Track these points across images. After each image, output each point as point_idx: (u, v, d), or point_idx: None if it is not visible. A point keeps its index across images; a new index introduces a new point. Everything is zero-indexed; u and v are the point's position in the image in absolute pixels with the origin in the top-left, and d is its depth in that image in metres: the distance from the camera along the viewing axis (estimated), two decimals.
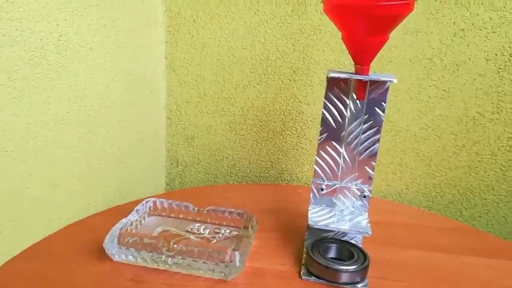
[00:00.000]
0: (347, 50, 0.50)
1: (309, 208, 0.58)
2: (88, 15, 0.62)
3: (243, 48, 0.80)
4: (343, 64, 0.77)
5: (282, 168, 0.86)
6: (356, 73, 0.50)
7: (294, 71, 0.79)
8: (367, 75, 0.50)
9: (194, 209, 0.61)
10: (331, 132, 0.56)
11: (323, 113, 0.55)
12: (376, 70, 0.75)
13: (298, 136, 0.83)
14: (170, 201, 0.62)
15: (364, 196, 0.57)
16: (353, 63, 0.50)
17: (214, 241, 0.56)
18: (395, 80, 0.50)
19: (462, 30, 0.70)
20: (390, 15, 0.44)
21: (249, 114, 0.84)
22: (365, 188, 0.57)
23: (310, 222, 0.54)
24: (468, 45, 0.70)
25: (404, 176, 0.79)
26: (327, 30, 0.76)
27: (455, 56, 0.71)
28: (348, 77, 0.50)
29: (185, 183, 0.92)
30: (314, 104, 0.80)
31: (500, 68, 0.70)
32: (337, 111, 0.55)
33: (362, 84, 0.51)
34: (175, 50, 0.83)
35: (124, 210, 0.62)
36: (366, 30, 0.46)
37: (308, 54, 0.78)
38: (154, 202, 0.62)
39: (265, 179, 0.87)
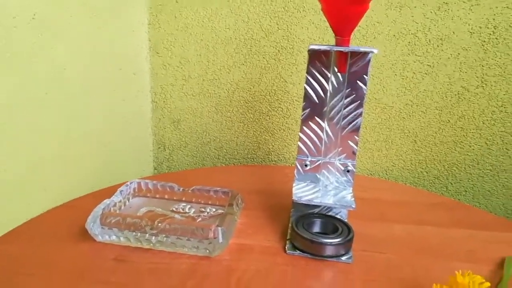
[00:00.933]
0: (330, 28, 0.50)
1: (294, 184, 0.58)
2: None
3: (227, 28, 0.79)
4: (327, 42, 0.76)
5: (269, 149, 0.86)
6: (336, 45, 0.50)
7: (279, 50, 0.79)
8: (348, 46, 0.50)
9: (179, 189, 0.61)
10: (314, 108, 0.55)
11: (305, 88, 0.55)
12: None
13: (284, 116, 0.83)
14: (155, 181, 0.61)
15: (348, 171, 0.57)
16: (334, 35, 0.50)
17: (199, 219, 0.56)
18: (375, 51, 0.49)
19: (446, 3, 0.70)
20: None
21: (235, 96, 0.83)
22: (349, 162, 0.57)
23: (294, 198, 0.54)
24: (452, 19, 0.70)
25: (390, 153, 0.79)
26: (310, 8, 0.75)
27: (439, 30, 0.71)
28: (329, 49, 0.50)
29: (173, 167, 0.91)
30: (299, 83, 0.80)
31: (484, 41, 0.70)
32: (319, 86, 0.55)
33: (343, 56, 0.51)
34: (158, 31, 0.82)
35: (109, 192, 0.61)
36: (345, 0, 0.45)
37: (292, 33, 0.77)
38: (139, 183, 0.61)
39: (252, 160, 0.87)
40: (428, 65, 0.73)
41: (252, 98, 0.83)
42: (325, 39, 0.76)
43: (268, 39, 0.78)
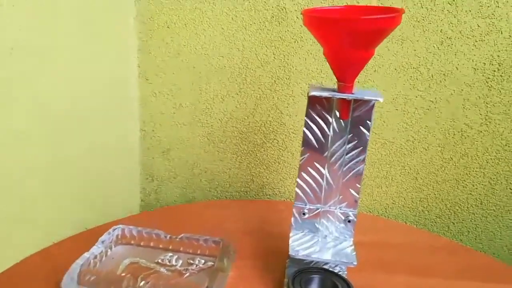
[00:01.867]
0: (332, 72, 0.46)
1: (291, 234, 0.54)
2: (50, 18, 0.56)
3: (221, 56, 0.75)
4: (325, 74, 0.73)
5: (264, 182, 0.82)
6: (338, 91, 0.46)
7: (275, 81, 0.75)
8: (351, 93, 0.46)
9: (166, 237, 0.56)
10: (313, 153, 0.52)
11: (304, 132, 0.51)
12: (360, 80, 0.71)
13: (280, 148, 0.79)
14: (139, 228, 0.57)
15: (349, 221, 0.53)
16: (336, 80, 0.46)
17: (187, 274, 0.51)
18: (381, 99, 0.46)
19: (449, 38, 0.67)
20: (375, 30, 0.40)
21: (228, 126, 0.79)
22: (350, 212, 0.53)
23: (291, 252, 0.50)
24: (455, 54, 0.67)
25: (390, 190, 0.76)
26: (308, 38, 0.71)
27: (442, 66, 0.68)
28: (330, 95, 0.46)
29: (161, 199, 0.87)
30: (296, 115, 0.76)
31: (488, 78, 0.67)
32: (319, 130, 0.51)
33: (345, 103, 0.47)
34: (148, 57, 0.78)
35: (93, 235, 0.57)
36: (349, 46, 0.42)
37: (289, 63, 0.73)
38: (123, 230, 0.57)
39: (245, 194, 0.83)
40: (430, 100, 0.70)
41: (246, 129, 0.79)
42: (323, 71, 0.73)
43: (264, 68, 0.75)
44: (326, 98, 0.49)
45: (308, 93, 0.47)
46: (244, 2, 0.71)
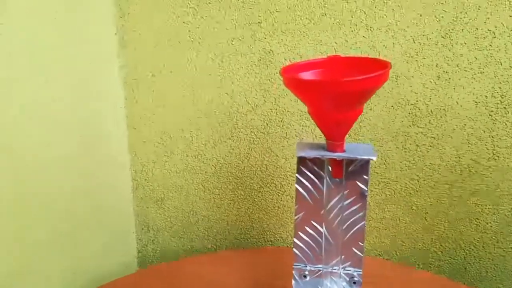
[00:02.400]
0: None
1: None
2: (32, 68, 0.54)
3: (210, 101, 0.72)
4: None
5: (264, 228, 0.78)
6: (328, 150, 0.43)
7: (267, 124, 0.72)
8: (342, 151, 0.43)
9: None
10: (309, 210, 0.48)
11: (297, 190, 0.47)
12: (356, 121, 0.68)
13: (278, 192, 0.75)
14: None
15: (354, 282, 0.49)
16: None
17: None
18: (374, 158, 0.42)
19: (446, 72, 0.63)
20: (360, 91, 0.37)
21: (222, 171, 0.76)
22: (355, 272, 0.49)
23: None
24: (454, 88, 0.64)
25: (399, 232, 0.71)
26: None
27: (441, 100, 0.65)
28: (319, 156, 0.43)
29: (158, 249, 0.83)
30: (292, 157, 0.73)
31: (492, 111, 0.63)
32: (312, 187, 0.47)
33: (336, 162, 0.44)
34: (135, 107, 0.75)
35: None
36: (334, 107, 0.39)
37: (281, 105, 0.70)
38: None
39: (246, 241, 0.79)
40: (432, 137, 0.66)
41: (241, 173, 0.75)
42: None
43: (255, 112, 0.72)
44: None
45: (296, 154, 0.43)
46: (229, 48, 0.69)
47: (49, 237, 0.61)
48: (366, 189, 0.46)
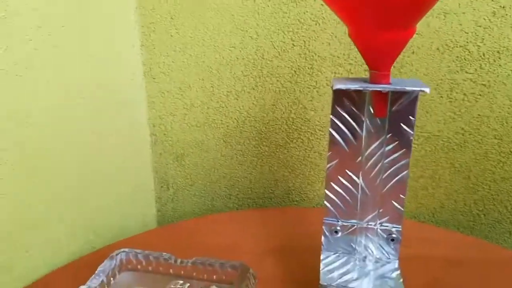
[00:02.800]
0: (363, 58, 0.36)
1: (322, 257, 0.45)
2: (42, 13, 0.49)
3: (232, 46, 0.66)
4: (354, 60, 0.62)
5: (289, 187, 0.73)
6: (371, 82, 0.37)
7: (295, 71, 0.65)
8: (387, 83, 0.36)
9: (176, 262, 0.48)
10: (343, 158, 0.42)
11: (330, 134, 0.42)
12: (396, 65, 0.61)
13: (306, 148, 0.69)
14: (146, 252, 0.49)
15: (392, 240, 0.43)
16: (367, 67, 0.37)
17: None
18: (427, 90, 0.36)
19: (503, 7, 0.55)
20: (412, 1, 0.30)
21: (246, 125, 0.71)
22: (393, 228, 0.43)
23: (322, 281, 0.41)
24: (511, 27, 0.55)
25: (438, 192, 0.65)
26: (331, 18, 0.61)
27: (496, 41, 0.56)
28: (361, 88, 0.36)
29: (178, 208, 0.79)
30: (322, 109, 0.66)
31: None
32: (349, 131, 0.41)
33: (381, 96, 0.37)
34: (153, 54, 0.70)
35: (96, 258, 0.50)
36: (380, 24, 0.32)
37: (311, 49, 0.63)
38: (127, 254, 0.50)
39: (270, 200, 0.74)
40: (482, 84, 0.58)
41: (266, 128, 0.70)
42: (351, 56, 0.62)
43: (282, 58, 0.65)
44: (356, 91, 0.39)
45: (332, 86, 0.37)
46: None
47: (69, 194, 0.58)
48: (412, 132, 0.40)
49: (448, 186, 0.64)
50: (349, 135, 0.41)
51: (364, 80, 0.38)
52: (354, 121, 0.41)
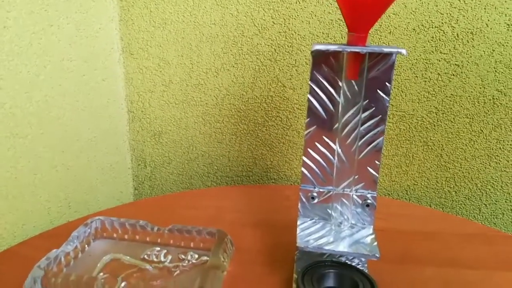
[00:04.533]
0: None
1: (298, 222, 0.45)
2: None
3: (212, 23, 0.66)
4: (333, 39, 0.63)
5: (267, 165, 0.73)
6: (349, 44, 0.37)
7: (275, 49, 0.66)
8: (364, 45, 0.37)
9: (153, 229, 0.48)
10: (321, 125, 0.43)
11: (309, 100, 0.42)
12: (373, 44, 0.62)
13: (284, 127, 0.70)
14: (122, 220, 0.49)
15: (367, 205, 0.44)
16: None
17: (177, 272, 0.43)
18: (404, 51, 0.37)
19: None
20: None
21: (225, 103, 0.71)
22: (368, 194, 0.44)
23: (299, 244, 0.41)
24: (485, 8, 0.57)
25: (411, 170, 0.67)
26: None
27: (469, 23, 0.58)
28: (340, 49, 0.37)
29: (155, 187, 0.79)
30: (300, 88, 0.67)
31: None
32: (327, 97, 0.42)
33: (357, 58, 0.38)
34: (131, 28, 0.69)
35: (69, 230, 0.49)
36: None
37: (291, 28, 0.64)
38: (102, 222, 0.49)
39: (248, 178, 0.75)
40: (456, 64, 0.60)
41: (245, 106, 0.70)
42: (330, 35, 0.63)
43: (262, 36, 0.65)
44: (334, 55, 0.40)
45: (311, 49, 0.38)
46: None
47: (45, 167, 0.56)
48: (388, 99, 0.41)
49: (421, 164, 0.66)
50: (327, 101, 0.42)
51: (343, 44, 0.38)
52: (331, 87, 0.42)
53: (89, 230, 0.47)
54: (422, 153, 0.65)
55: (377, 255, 0.40)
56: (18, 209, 0.53)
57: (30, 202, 0.55)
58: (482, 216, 0.66)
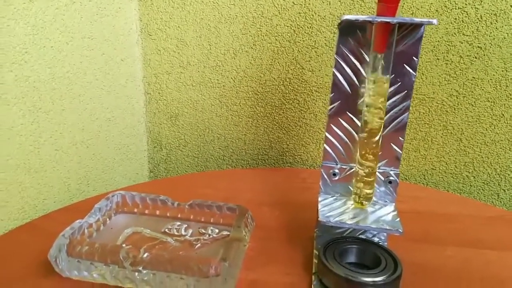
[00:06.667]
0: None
1: (319, 198, 0.45)
2: None
3: (232, 3, 0.66)
4: None
5: (283, 148, 0.73)
6: (378, 15, 0.37)
7: (294, 31, 0.65)
8: (393, 16, 0.36)
9: (173, 204, 0.48)
10: (345, 100, 0.43)
11: (334, 75, 0.42)
12: None
13: (301, 109, 0.70)
14: (143, 194, 0.49)
15: (390, 182, 0.44)
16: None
17: (198, 245, 0.44)
18: (435, 21, 0.36)
19: None
20: None
21: (242, 85, 0.70)
22: (391, 171, 0.44)
23: (321, 218, 0.41)
24: None
25: (430, 154, 0.66)
26: None
27: (493, 4, 0.57)
28: (370, 19, 0.36)
29: (171, 169, 0.79)
30: (319, 70, 0.67)
31: None
32: (352, 71, 0.42)
33: (386, 29, 0.38)
34: (150, 9, 0.69)
35: (88, 205, 0.49)
36: None
37: (311, 8, 0.63)
38: (123, 196, 0.49)
39: (263, 162, 0.75)
40: (478, 46, 0.60)
41: (262, 88, 0.70)
42: None
43: (282, 16, 0.65)
44: (361, 28, 0.40)
45: (340, 20, 0.37)
46: None
47: (68, 145, 0.56)
48: (415, 74, 0.40)
49: (440, 148, 0.65)
50: (352, 76, 0.42)
51: (372, 16, 0.38)
52: (357, 61, 0.41)
53: (110, 204, 0.48)
54: (441, 137, 0.65)
55: (400, 230, 0.40)
56: (39, 183, 0.54)
57: (51, 177, 0.56)
58: (501, 202, 0.65)
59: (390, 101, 0.42)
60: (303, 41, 0.66)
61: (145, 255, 0.37)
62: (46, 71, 0.52)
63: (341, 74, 0.42)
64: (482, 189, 0.66)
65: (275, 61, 0.68)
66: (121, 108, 0.69)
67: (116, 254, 0.37)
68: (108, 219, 0.47)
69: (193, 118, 0.74)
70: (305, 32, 0.65)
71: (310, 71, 0.67)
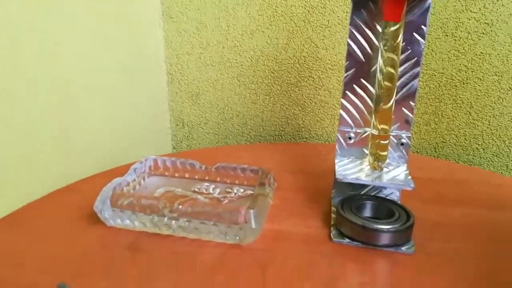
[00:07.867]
0: None
1: (336, 161, 0.49)
2: None
3: None
4: None
5: (299, 124, 0.77)
6: None
7: (309, 11, 0.69)
8: None
9: (201, 167, 0.53)
10: (359, 67, 0.46)
11: (348, 44, 0.45)
12: None
13: (316, 87, 0.73)
14: (173, 158, 0.53)
15: (402, 144, 0.48)
16: None
17: (226, 201, 0.48)
18: None
19: None
20: None
21: (259, 64, 0.74)
22: (403, 134, 0.47)
23: (337, 176, 0.45)
24: None
25: (440, 127, 0.69)
26: None
27: None
28: None
29: (193, 146, 0.83)
30: (333, 48, 0.70)
31: None
32: (365, 40, 0.45)
33: (396, 2, 0.41)
34: None
35: (120, 171, 0.54)
36: None
37: None
38: (155, 160, 0.54)
39: (280, 138, 0.79)
40: (485, 23, 0.62)
41: (278, 67, 0.74)
42: None
43: None
44: (373, 1, 0.43)
45: None
46: None
47: (95, 125, 0.61)
48: (424, 41, 0.44)
49: (450, 122, 0.68)
50: (365, 45, 0.45)
51: None
52: (370, 31, 0.45)
53: (144, 167, 0.52)
54: (451, 111, 0.68)
55: (412, 185, 0.43)
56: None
57: (80, 155, 0.61)
58: (510, 173, 0.68)
59: (401, 67, 0.45)
60: (317, 20, 0.69)
61: (180, 206, 0.42)
62: (73, 57, 0.57)
63: (355, 44, 0.45)
64: (492, 161, 0.69)
65: (290, 40, 0.71)
66: (145, 89, 0.73)
67: (155, 205, 0.42)
68: (142, 180, 0.52)
69: (213, 96, 0.79)
70: (318, 12, 0.68)
71: (324, 49, 0.70)
